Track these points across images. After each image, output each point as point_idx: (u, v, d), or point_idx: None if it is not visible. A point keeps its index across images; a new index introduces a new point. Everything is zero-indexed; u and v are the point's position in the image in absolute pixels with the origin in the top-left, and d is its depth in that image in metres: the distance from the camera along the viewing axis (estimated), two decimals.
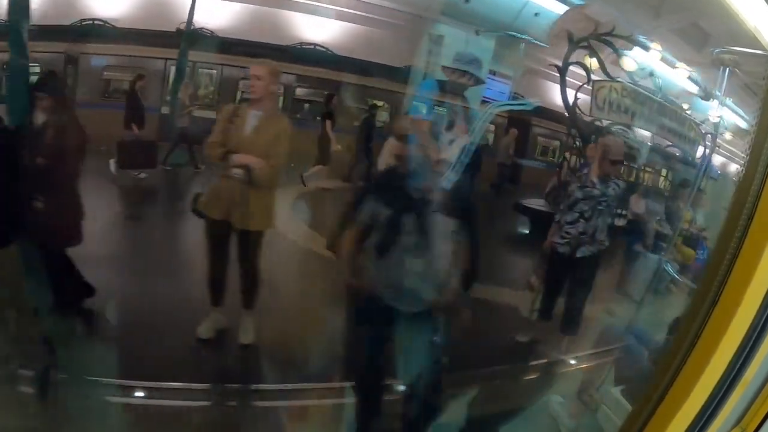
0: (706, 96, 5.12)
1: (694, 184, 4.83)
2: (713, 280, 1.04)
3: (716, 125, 4.91)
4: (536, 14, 4.77)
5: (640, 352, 3.26)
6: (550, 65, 4.40)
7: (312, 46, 4.57)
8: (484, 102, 4.71)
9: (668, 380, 1.12)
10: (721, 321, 1.06)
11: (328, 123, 4.06)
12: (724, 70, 4.13)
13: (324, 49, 4.65)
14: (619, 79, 4.36)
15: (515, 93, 4.89)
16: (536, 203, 4.89)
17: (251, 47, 3.95)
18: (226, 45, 3.97)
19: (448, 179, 3.24)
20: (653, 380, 1.17)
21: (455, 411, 3.23)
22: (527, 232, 5.21)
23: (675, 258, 4.24)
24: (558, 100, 4.57)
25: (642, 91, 4.52)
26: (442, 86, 4.68)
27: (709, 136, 5.05)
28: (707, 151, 5.03)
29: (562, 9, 4.53)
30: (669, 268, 4.03)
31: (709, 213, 4.73)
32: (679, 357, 1.11)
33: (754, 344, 1.10)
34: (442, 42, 4.62)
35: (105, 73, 4.25)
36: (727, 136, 4.98)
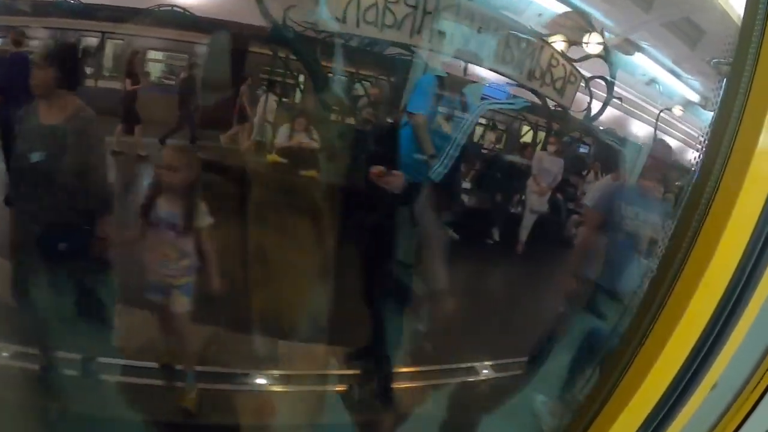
0: (707, 105, 5.08)
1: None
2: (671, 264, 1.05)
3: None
4: (540, 15, 4.78)
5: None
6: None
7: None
8: (483, 98, 4.73)
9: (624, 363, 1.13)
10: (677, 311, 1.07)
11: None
12: (722, 80, 4.09)
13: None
14: None
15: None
16: None
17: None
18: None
19: (438, 172, 3.29)
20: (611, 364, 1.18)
21: (435, 406, 3.26)
22: None
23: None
24: None
25: None
26: (441, 81, 4.70)
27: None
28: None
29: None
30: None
31: None
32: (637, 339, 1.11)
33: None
34: (443, 38, 4.62)
35: None
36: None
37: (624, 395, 1.11)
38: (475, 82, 4.63)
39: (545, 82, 4.24)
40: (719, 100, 1.21)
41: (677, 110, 4.48)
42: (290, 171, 3.53)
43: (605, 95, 4.36)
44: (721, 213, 1.02)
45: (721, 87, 1.27)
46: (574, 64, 4.24)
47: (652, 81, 4.57)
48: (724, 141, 1.07)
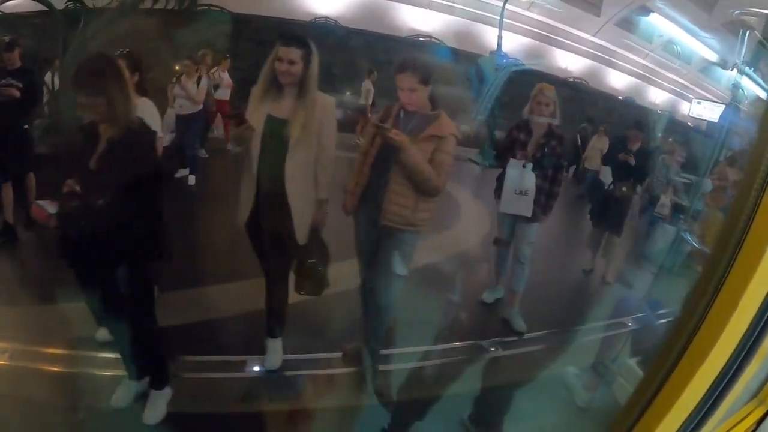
0: (725, 64, 4.99)
1: (712, 156, 4.77)
2: (727, 244, 1.03)
3: (735, 94, 4.80)
4: None
5: (658, 324, 3.25)
6: None
7: None
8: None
9: (680, 349, 1.12)
10: (738, 286, 1.05)
11: None
12: (744, 33, 3.99)
13: None
14: None
15: None
16: None
17: None
18: None
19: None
20: (665, 348, 1.17)
21: (469, 380, 3.28)
22: None
23: (693, 229, 4.20)
24: None
25: None
26: (455, 54, 4.76)
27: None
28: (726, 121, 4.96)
29: None
30: (688, 238, 4.01)
31: None
32: (692, 324, 1.10)
33: None
34: None
35: None
36: (748, 106, 4.85)
37: (691, 364, 1.11)
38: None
39: None
40: None
41: None
42: None
43: None
44: None
45: None
46: None
47: None
48: None
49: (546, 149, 3.59)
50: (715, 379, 1.13)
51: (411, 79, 2.55)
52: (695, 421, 1.20)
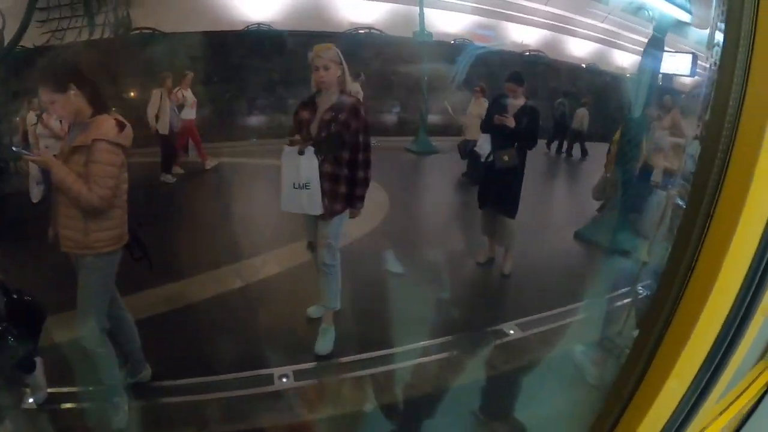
0: (701, 23, 4.94)
1: (701, 115, 4.69)
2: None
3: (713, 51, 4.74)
4: None
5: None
6: None
7: None
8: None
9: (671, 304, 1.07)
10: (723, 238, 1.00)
11: None
12: None
13: None
14: None
15: None
16: None
17: None
18: None
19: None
20: (656, 305, 1.12)
21: (476, 366, 3.24)
22: None
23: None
24: None
25: None
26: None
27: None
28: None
29: None
30: (680, 202, 3.92)
31: None
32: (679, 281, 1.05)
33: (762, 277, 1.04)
34: None
35: None
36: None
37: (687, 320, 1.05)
38: None
39: None
40: None
41: None
42: None
43: None
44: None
45: None
46: None
47: None
48: None
49: (333, 126, 2.93)
50: (711, 347, 1.08)
51: (43, 91, 2.30)
52: (702, 383, 1.16)
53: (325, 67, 2.91)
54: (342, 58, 2.95)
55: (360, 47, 6.85)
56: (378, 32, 7.18)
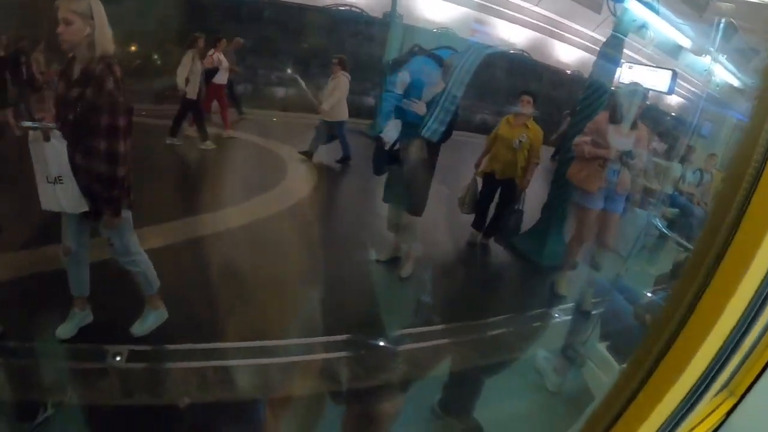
0: (699, 51, 5.02)
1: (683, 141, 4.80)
2: (714, 240, 0.98)
3: (708, 82, 4.83)
4: None
5: (627, 308, 3.28)
6: None
7: None
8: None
9: (664, 346, 1.08)
10: (726, 286, 1.01)
11: None
12: (719, 22, 3.99)
13: None
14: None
15: None
16: None
17: None
18: None
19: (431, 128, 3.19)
20: (646, 344, 1.13)
21: (439, 364, 3.25)
22: None
23: (663, 214, 4.23)
24: None
25: None
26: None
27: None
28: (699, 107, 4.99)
29: None
30: (658, 224, 4.00)
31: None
32: (675, 323, 1.06)
33: (759, 309, 1.06)
34: None
35: None
36: (721, 93, 4.89)
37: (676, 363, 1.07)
38: None
39: None
40: None
41: None
42: None
43: None
44: None
45: None
46: None
47: None
48: None
49: (78, 105, 2.24)
50: (702, 373, 1.10)
51: None
52: (679, 416, 1.18)
53: (67, 21, 2.19)
54: (95, 11, 2.21)
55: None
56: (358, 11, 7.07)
